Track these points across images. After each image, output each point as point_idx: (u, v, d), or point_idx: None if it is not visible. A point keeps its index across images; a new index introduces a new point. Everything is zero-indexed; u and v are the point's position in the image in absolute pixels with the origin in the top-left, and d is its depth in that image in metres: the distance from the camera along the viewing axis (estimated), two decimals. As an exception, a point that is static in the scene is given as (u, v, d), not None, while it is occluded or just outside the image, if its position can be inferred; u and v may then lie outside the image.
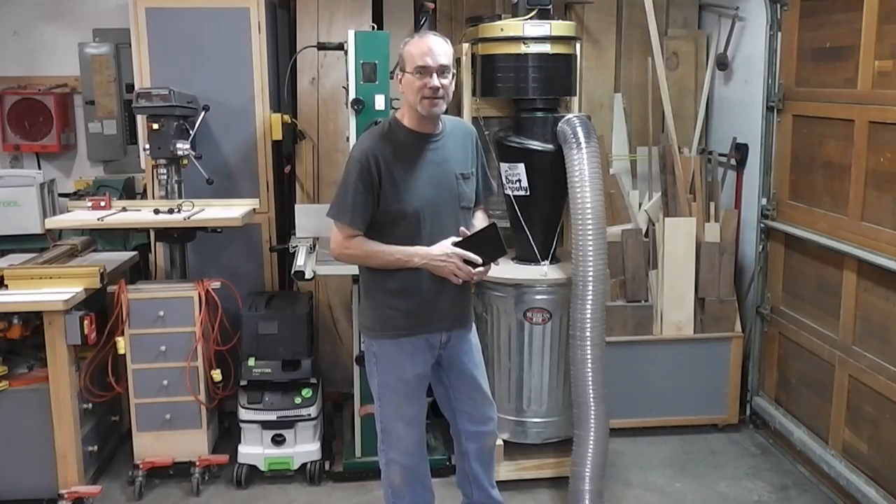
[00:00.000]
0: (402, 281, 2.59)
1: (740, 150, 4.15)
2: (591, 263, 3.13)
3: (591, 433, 3.15)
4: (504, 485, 3.17)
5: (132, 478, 3.44)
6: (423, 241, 2.56)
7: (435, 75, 2.46)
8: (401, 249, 2.54)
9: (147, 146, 3.49)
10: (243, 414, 3.51)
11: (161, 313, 3.42)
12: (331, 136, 4.26)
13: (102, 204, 3.50)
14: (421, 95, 2.48)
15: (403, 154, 2.55)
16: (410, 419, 2.71)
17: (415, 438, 2.72)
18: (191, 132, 3.58)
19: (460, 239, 2.57)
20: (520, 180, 3.41)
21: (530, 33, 3.33)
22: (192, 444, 3.53)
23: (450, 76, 2.51)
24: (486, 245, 2.54)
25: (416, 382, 2.69)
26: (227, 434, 3.84)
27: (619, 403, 3.68)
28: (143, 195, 4.17)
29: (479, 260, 2.53)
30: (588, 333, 3.14)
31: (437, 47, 2.48)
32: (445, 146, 2.62)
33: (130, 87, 4.12)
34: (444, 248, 2.54)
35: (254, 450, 3.53)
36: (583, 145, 3.19)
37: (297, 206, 3.87)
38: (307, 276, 3.28)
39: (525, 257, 3.52)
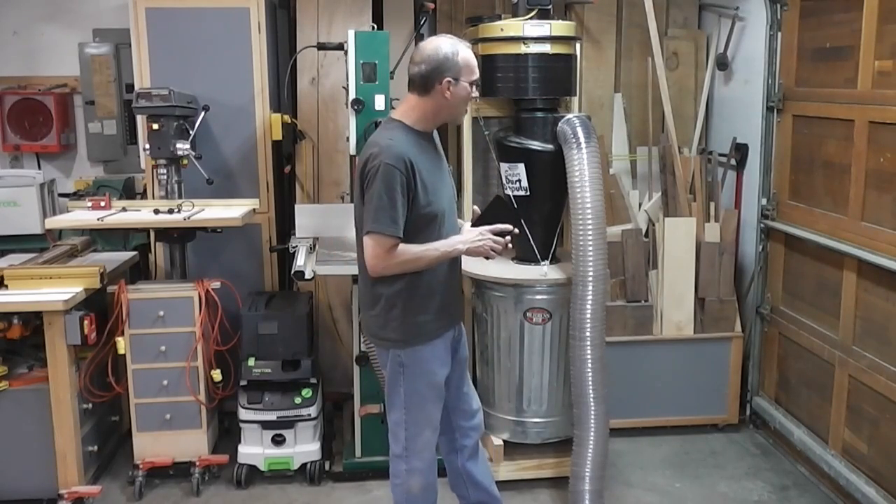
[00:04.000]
0: (430, 283, 2.59)
1: (740, 150, 4.15)
2: (591, 263, 3.13)
3: (591, 433, 3.15)
4: (504, 485, 3.17)
5: (132, 478, 3.44)
6: (441, 239, 2.57)
7: (475, 87, 2.56)
8: (444, 243, 2.54)
9: (147, 146, 3.49)
10: (243, 414, 3.51)
11: (161, 313, 3.42)
12: (331, 136, 4.26)
13: (102, 204, 3.50)
14: (466, 106, 2.61)
15: (423, 156, 2.53)
16: (436, 424, 2.72)
17: (434, 444, 2.73)
18: (191, 132, 3.58)
19: (475, 219, 2.63)
20: (520, 180, 3.41)
21: (530, 33, 3.33)
22: (192, 444, 3.53)
23: None
24: (500, 215, 2.58)
25: (443, 384, 2.70)
26: (227, 434, 3.84)
27: (619, 403, 3.68)
28: (143, 195, 4.17)
29: (509, 227, 2.56)
30: (588, 333, 3.14)
31: None
32: (438, 146, 2.67)
33: (130, 87, 4.12)
34: (474, 230, 2.57)
35: (254, 450, 3.53)
36: (583, 145, 3.19)
37: (297, 206, 3.87)
38: (307, 276, 3.28)
39: (525, 257, 3.52)
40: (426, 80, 2.48)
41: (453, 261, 2.66)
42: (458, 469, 2.93)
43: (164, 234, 3.61)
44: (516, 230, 2.59)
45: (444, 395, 2.72)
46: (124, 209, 3.52)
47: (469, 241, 2.54)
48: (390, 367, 2.66)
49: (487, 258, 2.61)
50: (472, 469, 2.92)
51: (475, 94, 2.57)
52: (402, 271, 2.52)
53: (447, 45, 2.49)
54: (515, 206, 2.54)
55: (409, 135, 2.53)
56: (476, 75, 2.54)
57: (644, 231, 4.03)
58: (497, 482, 3.03)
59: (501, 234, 2.56)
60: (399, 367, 2.63)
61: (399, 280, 2.55)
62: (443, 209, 2.56)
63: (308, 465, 3.55)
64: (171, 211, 3.42)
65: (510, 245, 2.59)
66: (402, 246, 2.46)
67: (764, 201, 3.88)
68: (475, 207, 2.80)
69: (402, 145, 2.47)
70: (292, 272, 3.35)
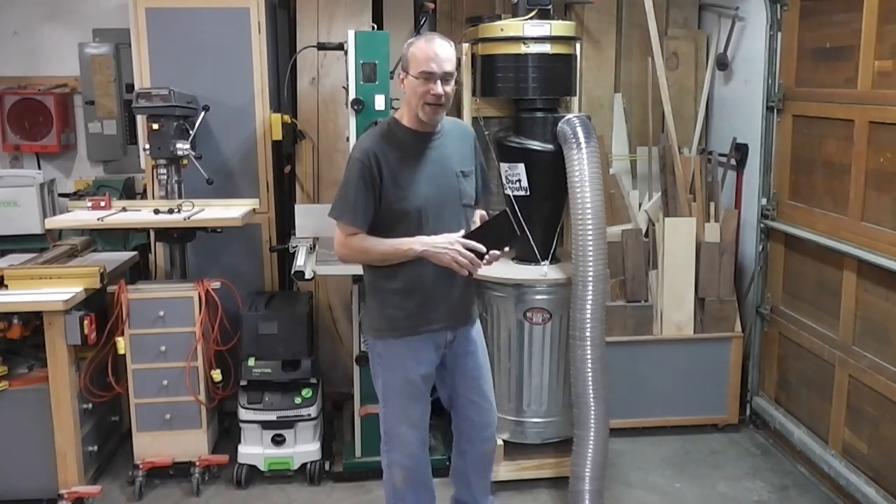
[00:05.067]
0: (406, 279, 2.58)
1: (740, 150, 4.15)
2: (591, 263, 3.13)
3: (591, 433, 3.15)
4: (504, 485, 3.17)
5: (132, 478, 3.44)
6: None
7: (439, 82, 2.46)
8: (401, 240, 2.52)
9: (147, 146, 3.49)
10: (243, 414, 3.51)
11: (161, 313, 3.42)
12: (331, 136, 4.26)
13: (102, 204, 3.50)
14: (423, 101, 2.48)
15: (404, 153, 2.55)
16: (415, 421, 2.70)
17: (418, 440, 2.72)
18: (191, 132, 3.58)
19: (471, 231, 2.55)
20: (520, 180, 3.41)
21: (530, 33, 3.33)
22: (192, 444, 3.53)
23: (452, 82, 2.51)
24: (497, 232, 2.49)
25: (422, 383, 2.69)
26: (227, 434, 3.84)
27: (619, 403, 3.68)
28: (143, 195, 4.17)
29: (483, 249, 2.47)
30: (588, 333, 3.14)
31: (442, 53, 2.47)
32: (445, 144, 2.62)
33: (130, 87, 4.12)
34: (448, 237, 2.50)
35: (254, 450, 3.53)
36: (583, 145, 3.19)
37: (297, 206, 3.87)
38: (307, 276, 3.28)
39: (525, 257, 3.52)
40: None
41: None
42: (460, 468, 2.94)
43: (164, 234, 3.61)
44: (495, 253, 2.49)
45: (423, 393, 2.70)
46: (124, 209, 3.52)
47: (431, 245, 2.48)
48: (370, 357, 2.75)
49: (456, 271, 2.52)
50: (471, 475, 2.92)
51: (435, 90, 2.45)
52: (363, 261, 2.62)
53: (412, 39, 2.57)
54: (517, 231, 2.44)
55: (395, 131, 2.57)
56: (423, 67, 2.44)
57: (644, 231, 4.03)
58: (497, 482, 3.04)
59: (477, 252, 2.46)
60: (377, 357, 2.70)
61: (377, 271, 2.63)
62: (418, 207, 2.53)
63: (308, 465, 3.55)
64: (171, 211, 3.42)
65: (481, 265, 2.50)
66: (360, 236, 2.53)
67: (764, 201, 3.88)
68: (482, 212, 2.75)
69: (374, 140, 2.56)
70: (292, 272, 3.35)
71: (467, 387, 2.80)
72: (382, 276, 2.62)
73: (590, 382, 3.15)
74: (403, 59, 2.53)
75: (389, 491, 2.78)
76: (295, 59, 4.11)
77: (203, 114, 3.66)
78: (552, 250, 3.51)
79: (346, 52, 3.39)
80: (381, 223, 2.55)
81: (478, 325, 2.84)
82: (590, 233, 3.12)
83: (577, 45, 3.52)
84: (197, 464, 3.48)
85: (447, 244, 2.48)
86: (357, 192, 2.51)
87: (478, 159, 2.77)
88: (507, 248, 2.54)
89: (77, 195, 4.20)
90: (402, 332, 2.64)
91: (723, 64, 4.29)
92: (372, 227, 2.56)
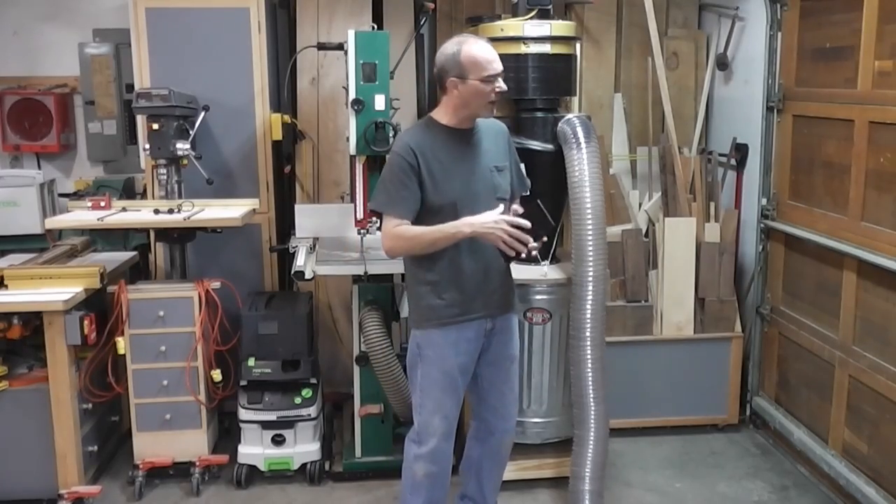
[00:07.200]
0: (444, 270, 2.65)
1: (740, 150, 4.15)
2: (591, 263, 3.13)
3: (591, 433, 3.15)
4: (504, 485, 3.17)
5: (132, 478, 3.44)
6: None
7: (500, 79, 2.60)
8: (449, 224, 2.54)
9: (147, 146, 3.49)
10: (243, 414, 3.51)
11: (161, 313, 3.42)
12: (331, 136, 4.26)
13: (102, 204, 3.50)
14: (489, 100, 2.60)
15: (441, 148, 2.64)
16: (447, 412, 2.74)
17: (448, 434, 2.75)
18: (191, 132, 3.57)
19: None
20: (520, 180, 3.41)
21: (530, 33, 3.33)
22: (192, 444, 3.53)
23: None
24: (534, 220, 2.53)
25: (458, 375, 2.73)
26: (227, 434, 3.84)
27: (619, 403, 3.68)
28: (143, 195, 4.17)
29: (528, 224, 2.49)
30: (588, 333, 3.14)
31: (495, 54, 2.61)
32: (480, 142, 2.72)
33: (130, 87, 4.12)
34: (491, 214, 2.52)
35: (254, 450, 3.53)
36: (583, 145, 3.19)
37: (297, 206, 3.87)
38: (307, 276, 3.29)
39: (525, 257, 3.51)
40: (439, 81, 2.65)
41: (481, 253, 2.66)
42: (474, 458, 2.97)
43: (163, 234, 3.62)
44: (534, 244, 2.53)
45: (458, 387, 2.74)
46: (124, 209, 3.52)
47: (480, 224, 2.50)
48: (409, 348, 2.79)
49: (503, 253, 2.55)
50: (485, 466, 2.96)
51: (500, 86, 2.59)
52: (409, 251, 2.64)
53: (451, 46, 2.61)
54: (551, 220, 2.52)
55: (432, 129, 2.67)
56: (488, 71, 2.56)
57: (644, 231, 4.03)
58: (497, 482, 3.04)
59: (523, 230, 2.50)
60: (416, 348, 2.75)
61: (416, 264, 2.70)
62: (453, 200, 2.61)
63: (308, 466, 3.55)
64: (171, 211, 3.42)
65: (530, 249, 2.53)
66: (405, 227, 2.58)
67: (764, 201, 3.88)
68: (515, 206, 2.74)
69: (414, 136, 2.65)
70: (292, 272, 3.35)
71: (496, 375, 2.84)
72: (421, 267, 2.69)
73: (590, 382, 3.15)
74: (454, 67, 2.57)
75: (407, 480, 2.80)
76: (295, 59, 4.11)
77: (203, 114, 3.66)
78: (552, 250, 3.51)
79: (346, 52, 3.39)
80: (417, 216, 2.61)
81: (516, 318, 2.89)
82: (590, 233, 3.12)
83: (577, 45, 3.52)
84: (197, 464, 3.47)
85: (493, 223, 2.50)
86: (400, 185, 2.58)
87: (512, 156, 2.85)
88: (544, 238, 2.56)
89: (77, 195, 4.20)
90: (442, 322, 2.68)
91: (723, 64, 4.29)
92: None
